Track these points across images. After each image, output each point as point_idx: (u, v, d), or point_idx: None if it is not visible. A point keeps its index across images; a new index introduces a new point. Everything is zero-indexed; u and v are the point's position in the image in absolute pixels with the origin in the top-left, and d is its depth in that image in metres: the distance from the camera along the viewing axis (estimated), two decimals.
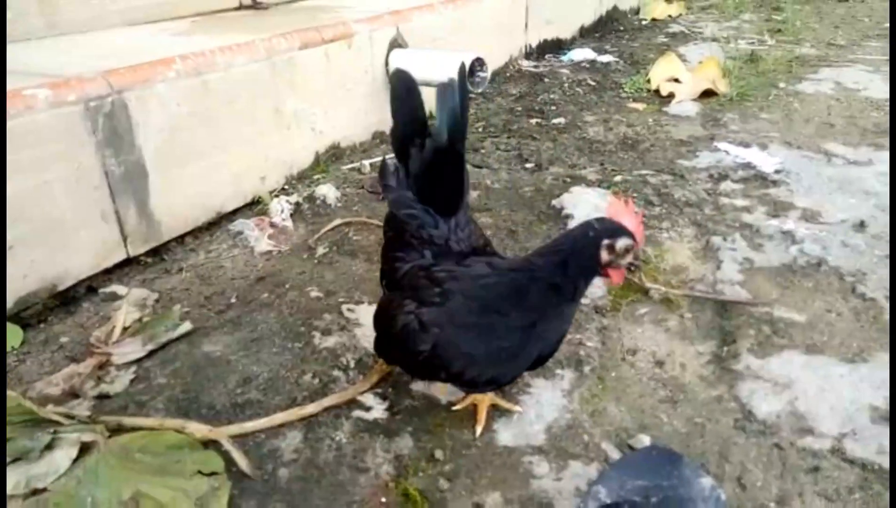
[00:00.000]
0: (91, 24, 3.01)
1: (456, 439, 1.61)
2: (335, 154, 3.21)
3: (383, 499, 1.44)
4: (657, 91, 4.26)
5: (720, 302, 2.10)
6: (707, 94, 4.17)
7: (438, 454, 1.56)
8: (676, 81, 4.30)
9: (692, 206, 2.71)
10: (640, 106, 4.04)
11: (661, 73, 4.38)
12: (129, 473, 1.37)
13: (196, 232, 2.52)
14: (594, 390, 1.77)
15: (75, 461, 1.42)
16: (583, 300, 2.10)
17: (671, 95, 4.15)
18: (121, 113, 2.12)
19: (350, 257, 2.39)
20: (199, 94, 2.39)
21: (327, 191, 2.82)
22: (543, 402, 1.72)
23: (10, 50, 2.60)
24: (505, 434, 1.63)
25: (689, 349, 1.92)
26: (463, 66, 1.71)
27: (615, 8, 6.58)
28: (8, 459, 1.43)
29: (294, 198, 2.79)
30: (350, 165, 3.15)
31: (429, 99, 1.58)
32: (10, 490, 1.38)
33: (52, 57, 2.47)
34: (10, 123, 1.83)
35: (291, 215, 2.69)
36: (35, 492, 1.37)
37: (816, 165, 3.06)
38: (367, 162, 3.17)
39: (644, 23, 6.67)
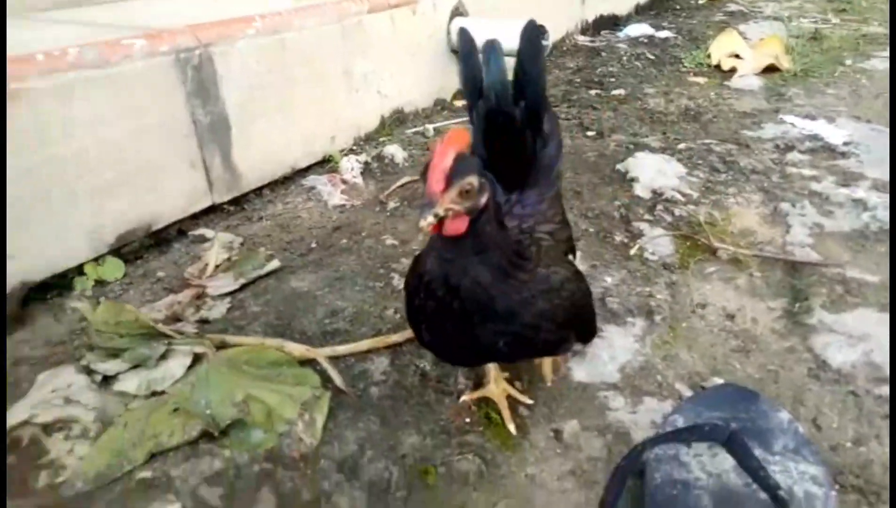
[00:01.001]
0: None
1: (533, 373, 1.68)
2: (399, 118, 3.29)
3: (467, 419, 1.53)
4: (718, 66, 4.23)
5: (790, 263, 2.12)
6: (769, 70, 4.12)
7: (517, 384, 1.63)
8: (737, 56, 4.27)
9: (759, 173, 2.72)
10: (700, 80, 4.02)
11: (721, 48, 4.34)
12: (238, 380, 1.49)
13: (272, 185, 2.63)
14: (665, 337, 1.82)
15: (188, 369, 1.54)
16: (651, 257, 2.17)
17: (733, 70, 4.11)
18: (207, 66, 2.23)
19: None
20: (276, 52, 2.49)
21: (395, 151, 2.91)
22: (616, 345, 1.78)
23: (104, 7, 2.74)
24: (579, 372, 1.69)
25: (759, 304, 1.95)
26: (532, 23, 1.49)
27: None
28: (126, 366, 1.57)
29: (363, 157, 2.88)
30: (414, 129, 3.23)
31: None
32: (132, 390, 1.51)
33: (142, 12, 2.60)
34: (110, 71, 1.95)
35: (361, 172, 2.79)
36: (154, 394, 1.50)
37: (887, 139, 3.02)
38: (430, 126, 3.24)
39: (701, 2, 6.57)
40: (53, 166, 1.84)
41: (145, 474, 1.36)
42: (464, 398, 1.57)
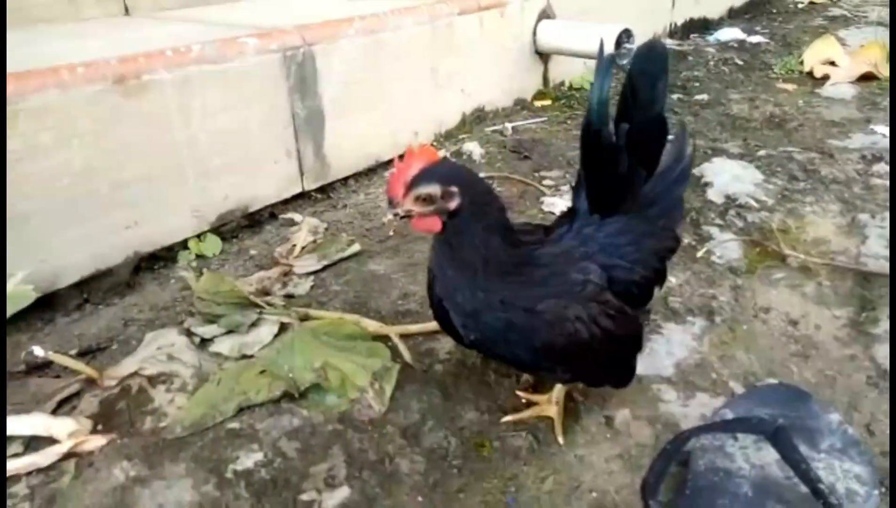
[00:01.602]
0: None
1: None
2: (479, 116, 3.41)
3: (522, 400, 1.63)
4: (810, 73, 4.11)
5: (862, 273, 2.10)
6: (866, 78, 3.97)
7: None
8: (832, 64, 4.13)
9: (839, 183, 2.67)
10: (790, 87, 3.93)
11: (816, 54, 4.21)
12: (318, 348, 1.66)
13: (357, 176, 2.81)
14: (724, 338, 1.86)
15: (275, 337, 1.73)
16: (718, 260, 2.19)
17: (825, 78, 3.99)
18: (309, 63, 2.43)
19: None
20: (371, 51, 2.66)
21: (473, 148, 3.04)
22: (674, 342, 1.84)
23: (221, 6, 3.01)
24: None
25: (824, 312, 1.95)
26: (654, 43, 1.38)
27: None
28: (222, 330, 1.77)
29: (442, 152, 3.02)
30: (493, 127, 3.34)
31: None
32: (225, 352, 1.71)
33: (253, 12, 2.84)
34: (226, 66, 2.17)
35: None
36: (244, 357, 1.69)
37: None
38: (509, 125, 3.35)
39: (800, 6, 6.35)
40: (170, 150, 2.07)
41: (234, 425, 1.54)
42: (518, 392, 1.64)
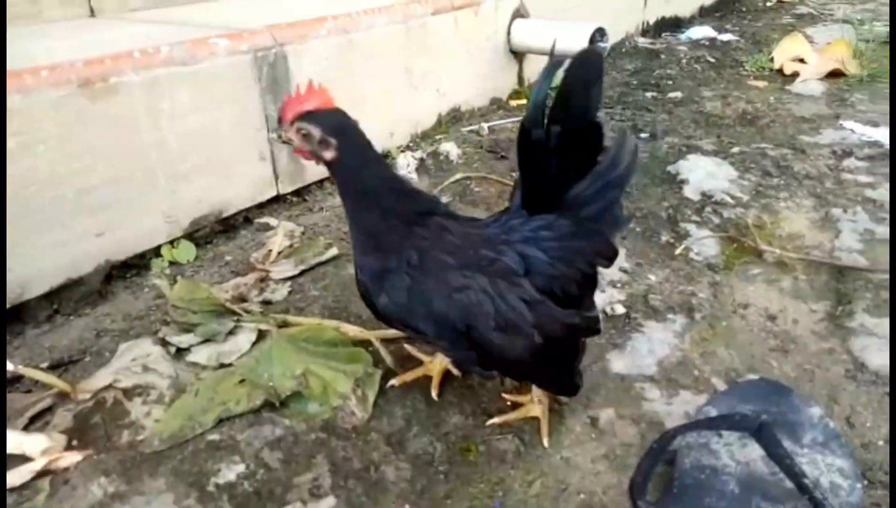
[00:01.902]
0: None
1: None
2: (455, 116, 3.39)
3: (507, 403, 1.62)
4: (780, 70, 4.18)
5: (836, 267, 2.13)
6: (834, 74, 4.05)
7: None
8: (801, 61, 4.20)
9: (812, 179, 2.71)
10: (761, 84, 3.98)
11: (785, 52, 4.28)
12: (298, 356, 1.63)
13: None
14: (705, 334, 1.87)
15: (253, 344, 1.69)
16: (696, 257, 2.21)
17: (795, 75, 4.06)
18: (281, 64, 2.38)
19: (472, 206, 2.58)
20: (344, 51, 2.63)
21: (450, 148, 3.02)
22: (654, 340, 1.85)
23: (189, 7, 2.95)
24: (618, 364, 1.76)
25: (801, 306, 1.98)
26: (589, 50, 1.39)
27: None
28: (198, 339, 1.73)
29: (418, 154, 3.00)
30: (469, 127, 3.33)
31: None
32: (202, 361, 1.67)
33: (222, 12, 2.78)
34: (196, 67, 2.12)
35: (416, 168, 2.91)
36: (222, 366, 1.65)
37: None
38: (485, 125, 3.34)
39: (769, 4, 6.46)
40: (139, 154, 2.02)
41: (214, 437, 1.51)
42: (505, 395, 1.64)
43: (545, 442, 1.51)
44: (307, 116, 1.33)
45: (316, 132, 1.32)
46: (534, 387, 1.58)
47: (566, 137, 1.34)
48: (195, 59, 2.11)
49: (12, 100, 1.73)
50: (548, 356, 1.41)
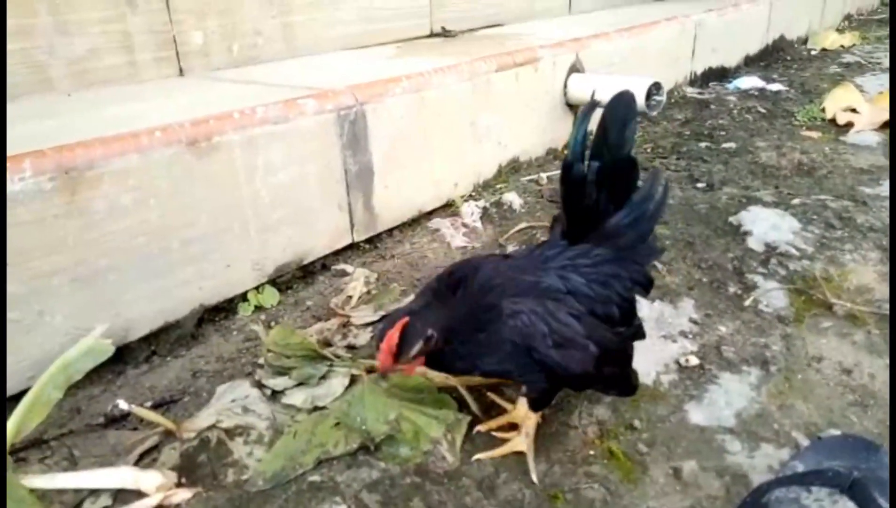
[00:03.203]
0: (316, 48, 3.55)
1: (651, 413, 1.80)
2: (514, 167, 3.51)
3: (591, 452, 1.67)
4: (833, 120, 4.21)
5: None
6: (889, 124, 4.06)
7: (637, 423, 1.76)
8: (854, 111, 4.23)
9: (876, 231, 2.73)
10: (814, 134, 4.02)
11: (837, 102, 4.32)
12: (389, 400, 1.71)
13: (402, 227, 2.90)
14: (781, 387, 1.90)
15: (346, 389, 1.78)
16: (765, 309, 2.24)
17: (849, 125, 4.09)
18: (360, 121, 2.53)
19: None
20: (416, 108, 2.77)
21: (513, 198, 3.12)
22: (732, 392, 1.88)
23: (264, 68, 3.14)
24: (696, 415, 1.80)
25: (877, 361, 1.99)
26: (625, 93, 1.54)
27: (782, 37, 6.48)
28: (293, 382, 1.83)
29: (481, 203, 3.11)
30: (528, 177, 3.44)
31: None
32: (298, 404, 1.76)
33: (300, 74, 2.96)
34: (287, 126, 2.27)
35: (480, 217, 3.01)
36: (317, 408, 1.74)
37: None
38: (544, 175, 3.44)
39: (813, 53, 6.51)
40: (236, 207, 2.16)
41: (315, 478, 1.59)
42: (494, 433, 1.71)
43: (533, 478, 1.57)
44: (408, 337, 1.38)
45: (419, 345, 1.39)
46: (527, 420, 1.66)
47: (604, 172, 1.50)
48: (286, 118, 2.26)
49: (130, 159, 1.89)
50: (605, 363, 1.52)
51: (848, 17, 8.24)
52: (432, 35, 4.26)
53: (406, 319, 1.39)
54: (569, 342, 1.45)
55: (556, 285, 1.50)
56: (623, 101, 1.51)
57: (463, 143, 3.09)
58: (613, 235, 1.58)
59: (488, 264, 1.57)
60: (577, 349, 1.46)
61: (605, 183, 1.52)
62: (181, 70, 2.99)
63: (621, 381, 1.64)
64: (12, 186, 1.67)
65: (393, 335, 1.36)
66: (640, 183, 1.60)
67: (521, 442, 1.65)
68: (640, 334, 1.66)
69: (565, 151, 3.78)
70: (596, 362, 1.49)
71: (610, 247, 1.58)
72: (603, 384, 1.63)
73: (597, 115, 1.55)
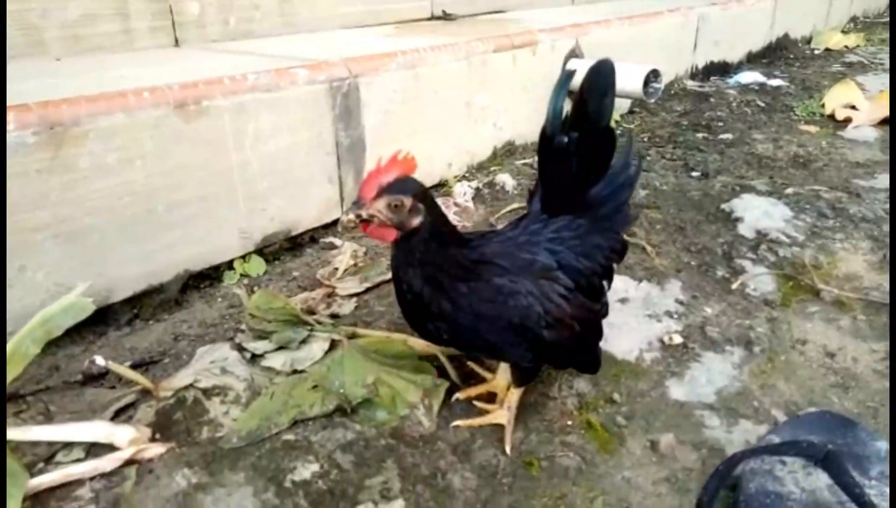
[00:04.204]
0: (315, 26, 3.53)
1: (631, 388, 1.80)
2: (509, 150, 3.49)
3: (569, 422, 1.66)
4: (832, 116, 4.19)
5: None
6: (887, 121, 4.05)
7: (616, 397, 1.76)
8: (853, 107, 4.21)
9: (868, 222, 2.72)
10: (812, 129, 4.01)
11: (837, 98, 4.30)
12: (368, 365, 1.70)
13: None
14: (763, 367, 1.89)
15: (326, 353, 1.77)
16: (753, 293, 2.23)
17: (847, 121, 4.07)
18: (353, 94, 2.52)
19: None
20: (410, 84, 2.76)
21: (506, 179, 3.11)
22: (714, 370, 1.87)
23: (260, 42, 3.13)
24: (676, 391, 1.79)
25: (861, 345, 1.98)
26: (602, 62, 1.50)
27: (786, 35, 6.45)
28: (273, 346, 1.82)
29: (474, 183, 3.10)
30: (522, 161, 3.42)
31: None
32: (277, 366, 1.76)
33: (296, 48, 2.95)
34: (278, 94, 2.26)
35: (472, 197, 3.00)
36: (296, 372, 1.74)
37: None
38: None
39: (816, 52, 6.48)
40: (224, 173, 2.15)
41: (290, 437, 1.58)
42: (476, 402, 1.70)
43: (507, 450, 1.57)
44: (394, 188, 1.32)
45: (408, 201, 1.33)
46: (511, 395, 1.65)
47: (583, 142, 1.49)
48: (278, 86, 2.25)
49: (116, 118, 1.88)
50: (583, 341, 1.57)
51: (853, 19, 8.21)
52: (433, 18, 4.24)
53: (414, 174, 1.36)
54: (559, 323, 1.47)
55: (549, 262, 1.50)
56: (602, 71, 1.49)
57: (458, 122, 3.08)
58: (594, 205, 1.60)
59: (496, 248, 1.52)
60: (565, 329, 1.48)
61: (584, 154, 1.51)
62: (177, 40, 2.97)
63: (591, 358, 1.65)
64: None
65: (387, 170, 1.32)
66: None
67: (502, 415, 1.64)
68: (605, 312, 1.66)
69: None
70: (577, 340, 1.52)
71: (590, 218, 1.59)
72: (578, 361, 1.64)
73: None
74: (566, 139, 1.48)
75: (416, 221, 1.35)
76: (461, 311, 1.40)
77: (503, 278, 1.44)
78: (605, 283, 1.65)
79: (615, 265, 1.67)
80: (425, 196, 1.38)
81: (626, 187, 1.62)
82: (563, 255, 1.53)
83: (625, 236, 1.68)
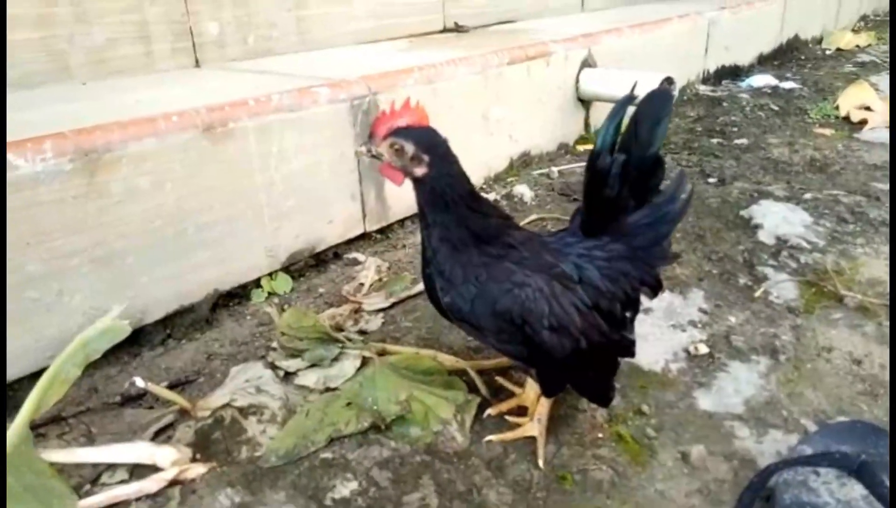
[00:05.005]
0: (330, 42, 3.58)
1: (659, 399, 1.81)
2: (525, 161, 3.52)
3: (600, 435, 1.68)
4: (846, 118, 4.19)
5: None
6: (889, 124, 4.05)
7: (645, 408, 1.77)
8: (868, 109, 4.21)
9: (888, 226, 2.72)
10: (827, 131, 4.01)
11: (851, 100, 4.31)
12: (400, 382, 1.73)
13: (413, 217, 2.91)
14: (790, 376, 1.90)
15: (357, 370, 1.80)
16: (776, 300, 2.24)
17: (863, 122, 4.07)
18: (373, 111, 2.55)
19: None
20: (428, 98, 2.78)
21: (523, 190, 3.14)
22: (741, 380, 1.88)
23: (278, 60, 3.18)
24: (705, 402, 1.81)
25: (887, 352, 1.98)
26: (661, 90, 1.55)
27: (796, 37, 6.46)
28: (306, 364, 1.85)
29: (492, 195, 3.13)
30: (539, 171, 3.45)
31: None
32: (310, 384, 1.79)
33: (314, 65, 2.99)
34: (301, 114, 2.30)
35: None
36: (329, 390, 1.77)
37: None
38: (555, 169, 3.45)
39: (828, 52, 6.48)
40: (250, 193, 2.19)
41: (327, 455, 1.61)
42: (508, 417, 1.71)
43: (540, 463, 1.58)
44: (401, 132, 1.39)
45: (409, 148, 1.37)
46: (539, 406, 1.66)
47: (629, 167, 1.47)
48: (301, 106, 2.29)
49: (147, 143, 1.92)
50: (589, 362, 1.53)
51: (864, 18, 8.19)
52: (445, 30, 4.27)
53: (426, 125, 1.41)
54: (563, 330, 1.45)
55: (570, 272, 1.50)
56: (659, 97, 1.49)
57: (474, 135, 3.11)
58: (630, 232, 1.57)
59: (519, 236, 1.54)
60: (568, 338, 1.46)
61: (628, 178, 1.49)
62: (197, 61, 3.03)
63: (598, 387, 1.62)
64: (34, 167, 1.71)
65: (397, 117, 1.39)
66: (664, 184, 1.58)
67: (532, 427, 1.65)
68: (629, 349, 1.62)
69: (578, 147, 3.80)
70: (581, 357, 1.49)
71: (625, 244, 1.56)
72: (579, 381, 1.61)
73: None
74: (609, 160, 1.48)
75: (421, 171, 1.39)
76: (466, 280, 1.42)
77: (519, 266, 1.44)
78: (627, 314, 1.58)
79: (644, 299, 1.63)
80: (435, 148, 1.40)
81: (667, 222, 1.56)
82: (588, 272, 1.51)
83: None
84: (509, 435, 1.67)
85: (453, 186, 1.43)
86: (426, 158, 1.38)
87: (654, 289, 1.63)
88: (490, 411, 1.73)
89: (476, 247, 1.44)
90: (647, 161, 1.49)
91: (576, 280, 1.50)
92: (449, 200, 1.42)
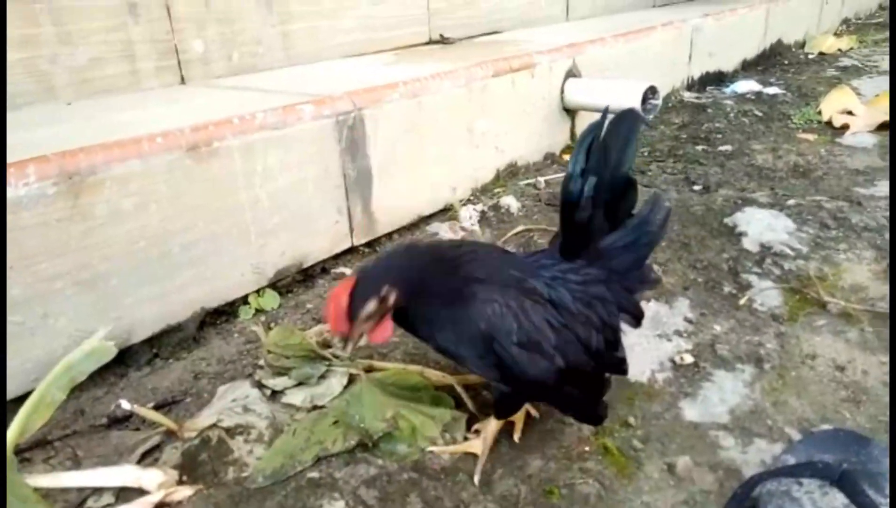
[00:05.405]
0: (316, 57, 3.59)
1: (645, 410, 1.83)
2: (512, 171, 3.54)
3: (586, 448, 1.69)
4: (829, 123, 4.24)
5: None
6: (885, 126, 4.09)
7: (631, 420, 1.79)
8: (850, 113, 4.26)
9: (871, 231, 2.75)
10: (810, 136, 4.05)
11: (833, 104, 4.35)
12: (387, 399, 1.73)
13: (401, 231, 2.93)
14: (775, 384, 1.92)
15: (344, 388, 1.81)
16: (760, 308, 2.26)
17: (845, 127, 4.11)
18: (359, 127, 2.57)
19: None
20: (414, 113, 2.81)
21: (510, 201, 3.15)
22: (726, 389, 1.90)
23: (263, 76, 3.19)
24: (690, 412, 1.82)
25: (871, 358, 2.01)
26: (630, 112, 1.55)
27: (779, 42, 6.52)
28: (293, 382, 1.85)
29: (479, 207, 3.14)
30: (525, 182, 3.47)
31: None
32: (297, 403, 1.79)
33: (299, 81, 3.00)
34: (285, 131, 2.31)
35: (478, 221, 3.04)
36: (316, 408, 1.77)
37: None
38: (542, 179, 3.47)
39: (810, 56, 6.54)
40: (235, 211, 2.19)
41: (314, 474, 1.61)
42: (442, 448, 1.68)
43: (476, 480, 1.58)
44: (356, 306, 1.32)
45: (374, 303, 1.33)
46: (488, 424, 1.66)
47: (601, 189, 1.48)
48: (285, 123, 2.30)
49: (131, 164, 1.92)
50: (568, 382, 1.49)
51: (846, 21, 8.28)
52: (431, 42, 4.30)
53: (353, 279, 1.34)
54: (534, 346, 1.42)
55: (541, 289, 1.48)
56: (627, 118, 1.50)
57: (460, 147, 3.13)
58: (606, 255, 1.56)
59: (489, 251, 1.59)
60: (542, 355, 1.44)
61: (600, 200, 1.49)
62: (182, 78, 3.03)
63: (584, 406, 1.61)
64: (17, 192, 1.71)
65: (339, 296, 1.31)
66: (638, 206, 1.58)
67: (476, 444, 1.65)
68: (621, 368, 1.63)
69: (565, 157, 3.82)
70: (558, 376, 1.46)
71: (601, 268, 1.55)
72: (562, 402, 1.60)
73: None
74: (580, 182, 1.48)
75: (393, 298, 1.37)
76: (443, 331, 1.43)
77: (483, 284, 1.43)
78: (601, 338, 1.53)
79: (623, 327, 1.61)
80: (384, 275, 1.38)
81: (643, 245, 1.56)
82: (559, 294, 1.49)
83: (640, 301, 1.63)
84: (450, 448, 1.66)
85: (425, 274, 1.44)
86: (385, 288, 1.35)
87: (634, 316, 1.61)
88: (477, 427, 1.73)
89: (447, 304, 1.44)
90: (618, 182, 1.50)
91: (545, 298, 1.48)
92: (427, 286, 1.43)
